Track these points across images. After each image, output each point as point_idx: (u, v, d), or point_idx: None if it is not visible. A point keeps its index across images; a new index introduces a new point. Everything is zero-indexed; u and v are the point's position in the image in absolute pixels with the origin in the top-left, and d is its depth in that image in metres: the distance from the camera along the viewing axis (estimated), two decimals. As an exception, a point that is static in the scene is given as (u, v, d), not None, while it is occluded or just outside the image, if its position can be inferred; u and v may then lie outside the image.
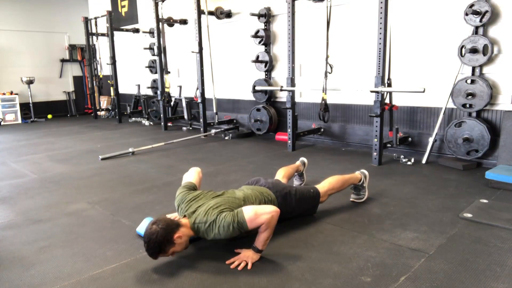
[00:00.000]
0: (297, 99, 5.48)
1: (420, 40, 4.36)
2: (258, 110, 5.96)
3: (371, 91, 4.11)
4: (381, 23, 3.92)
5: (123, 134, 6.90)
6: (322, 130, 5.42)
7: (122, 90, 8.80)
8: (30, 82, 9.19)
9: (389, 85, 4.14)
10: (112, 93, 8.61)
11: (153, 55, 7.62)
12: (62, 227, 2.76)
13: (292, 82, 4.91)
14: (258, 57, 5.97)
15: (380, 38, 3.95)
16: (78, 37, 9.87)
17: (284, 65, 5.24)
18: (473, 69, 3.95)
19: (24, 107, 9.40)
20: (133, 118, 8.62)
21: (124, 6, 8.91)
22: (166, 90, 6.84)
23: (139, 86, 8.77)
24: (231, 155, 4.95)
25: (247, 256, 2.14)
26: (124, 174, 4.17)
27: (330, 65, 4.52)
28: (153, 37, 7.43)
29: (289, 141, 5.10)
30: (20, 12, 9.39)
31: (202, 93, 6.26)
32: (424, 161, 4.22)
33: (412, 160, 4.24)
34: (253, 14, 5.80)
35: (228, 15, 6.43)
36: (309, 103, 5.56)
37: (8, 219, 2.94)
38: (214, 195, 2.38)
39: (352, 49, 4.94)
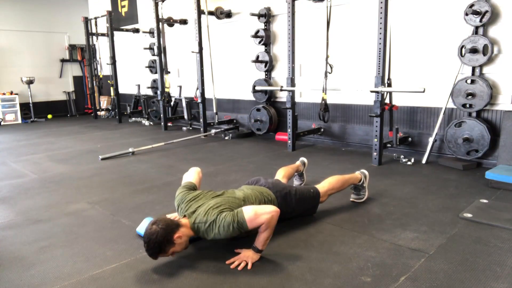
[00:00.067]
0: (297, 99, 5.48)
1: (420, 40, 4.36)
2: (258, 110, 5.96)
3: (371, 91, 4.11)
4: (381, 23, 3.92)
5: (123, 134, 6.90)
6: (322, 130, 5.42)
7: (122, 90, 8.80)
8: (30, 82, 9.19)
9: (389, 85, 4.14)
10: (112, 93, 8.61)
11: (153, 55, 7.62)
12: (62, 227, 2.76)
13: (292, 82, 4.91)
14: (258, 57, 5.97)
15: (380, 38, 3.95)
16: (78, 37, 9.87)
17: (284, 65, 5.24)
18: (473, 69, 3.95)
19: (24, 107, 9.40)
20: (133, 118, 8.62)
21: (124, 6, 8.91)
22: (166, 90, 6.84)
23: (139, 86, 8.77)
24: (231, 155, 4.95)
25: (247, 256, 2.14)
26: (124, 174, 4.17)
27: (330, 65, 4.53)
28: (153, 37, 7.43)
29: (289, 141, 5.10)
30: (20, 12, 9.39)
31: (202, 93, 6.26)
32: (424, 161, 4.22)
33: (412, 160, 4.24)
34: (253, 14, 5.80)
35: (228, 15, 6.43)
36: (309, 103, 5.56)
37: (8, 219, 2.94)
38: (214, 195, 2.38)
39: (352, 49, 4.94)
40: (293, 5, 4.73)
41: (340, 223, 2.67)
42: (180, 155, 5.00)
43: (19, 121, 9.21)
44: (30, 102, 9.39)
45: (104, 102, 9.99)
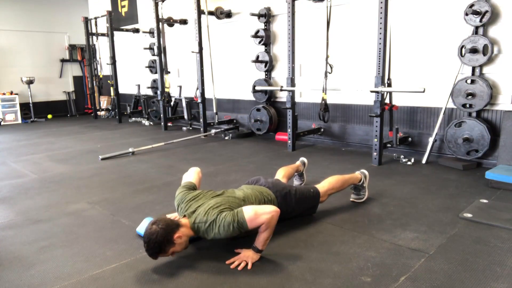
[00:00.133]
0: (297, 99, 5.48)
1: (420, 40, 4.36)
2: (258, 110, 5.96)
3: (371, 91, 4.11)
4: (381, 23, 3.92)
5: (123, 134, 6.90)
6: (322, 130, 5.42)
7: (122, 90, 8.80)
8: (30, 82, 9.19)
9: (389, 85, 4.14)
10: (112, 93, 8.61)
11: (153, 55, 7.62)
12: (62, 227, 2.76)
13: (292, 82, 4.91)
14: (258, 57, 5.97)
15: (380, 38, 3.95)
16: (78, 37, 9.87)
17: (284, 65, 5.24)
18: (473, 69, 3.95)
19: (24, 107, 9.40)
20: (133, 118, 8.62)
21: (124, 6, 8.91)
22: (166, 90, 6.85)
23: (139, 86, 8.77)
24: (231, 155, 4.95)
25: (247, 256, 2.14)
26: (124, 174, 4.17)
27: (330, 65, 4.53)
28: (153, 37, 7.43)
29: (289, 141, 5.10)
30: (20, 12, 9.39)
31: (202, 93, 6.26)
32: (424, 161, 4.22)
33: (412, 160, 4.24)
34: (253, 14, 5.80)
35: (228, 15, 6.43)
36: (309, 103, 5.56)
37: (8, 219, 2.94)
38: (213, 195, 2.38)
39: (352, 49, 4.94)
40: (293, 5, 4.73)
41: (340, 223, 2.67)
42: (180, 155, 5.00)
43: (19, 121, 9.21)
44: (30, 102, 9.39)
45: (104, 102, 9.99)
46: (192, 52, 6.12)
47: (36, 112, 9.51)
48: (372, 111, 4.21)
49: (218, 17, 6.43)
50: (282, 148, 5.26)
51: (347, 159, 4.54)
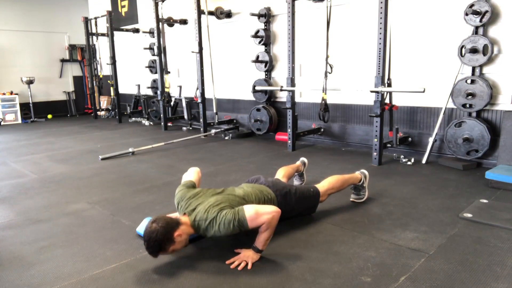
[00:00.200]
0: (297, 99, 5.48)
1: (420, 40, 4.35)
2: (258, 110, 5.96)
3: (371, 91, 4.11)
4: (381, 23, 3.92)
5: (123, 134, 6.90)
6: (322, 130, 5.42)
7: (122, 90, 8.80)
8: (30, 82, 9.19)
9: (389, 85, 4.14)
10: (112, 93, 8.61)
11: (153, 55, 7.61)
12: (62, 227, 2.76)
13: (292, 82, 4.91)
14: (258, 57, 5.97)
15: (380, 38, 3.95)
16: (78, 37, 9.87)
17: (284, 65, 5.24)
18: (473, 69, 3.95)
19: (24, 107, 9.40)
20: (133, 118, 8.62)
21: (124, 6, 8.91)
22: (166, 90, 6.85)
23: (139, 86, 8.77)
24: (231, 155, 4.95)
25: (247, 256, 2.14)
26: (124, 174, 4.17)
27: (330, 65, 4.53)
28: (153, 37, 7.43)
29: (289, 141, 5.10)
30: (20, 12, 9.39)
31: (202, 93, 6.26)
32: (424, 161, 4.22)
33: (412, 160, 4.24)
34: (253, 14, 5.80)
35: (228, 15, 6.43)
36: (309, 103, 5.56)
37: (8, 219, 2.94)
38: (213, 193, 2.37)
39: (352, 49, 4.94)
40: (293, 5, 4.73)
41: (340, 223, 2.67)
42: (180, 155, 5.00)
43: (19, 121, 9.21)
44: (30, 102, 9.39)
45: (104, 102, 9.99)
46: (192, 52, 6.12)
47: (36, 112, 9.51)
48: (372, 111, 4.21)
49: (218, 17, 6.43)
50: (282, 148, 5.26)
51: (347, 159, 4.54)
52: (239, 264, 2.10)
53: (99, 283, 1.99)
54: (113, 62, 8.20)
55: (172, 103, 7.23)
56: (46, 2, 9.73)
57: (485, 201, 2.99)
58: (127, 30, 8.46)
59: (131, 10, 8.70)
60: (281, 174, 3.08)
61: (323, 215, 2.80)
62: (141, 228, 2.51)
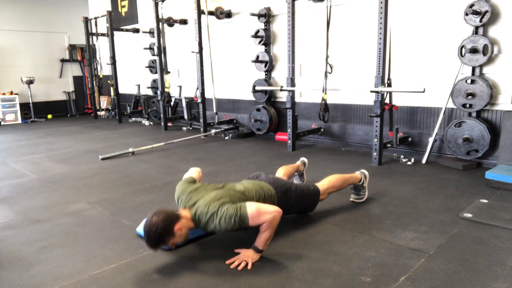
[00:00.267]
0: (297, 99, 5.48)
1: (420, 40, 4.35)
2: (258, 110, 5.96)
3: (371, 91, 4.11)
4: (381, 23, 3.92)
5: (123, 134, 6.90)
6: (322, 130, 5.42)
7: (122, 90, 8.80)
8: (30, 82, 9.19)
9: (389, 85, 4.14)
10: (112, 93, 8.61)
11: (153, 55, 7.61)
12: (62, 227, 2.76)
13: (292, 82, 4.91)
14: (258, 57, 5.97)
15: (380, 38, 3.95)
16: (78, 37, 9.87)
17: (284, 65, 5.24)
18: (473, 69, 3.95)
19: (24, 107, 9.40)
20: (133, 118, 8.62)
21: (124, 6, 8.91)
22: (166, 90, 6.85)
23: (139, 86, 8.77)
24: (231, 155, 4.95)
25: (247, 256, 2.14)
26: (124, 174, 4.17)
27: (330, 65, 4.53)
28: (153, 37, 7.43)
29: (289, 141, 5.10)
30: (20, 12, 9.39)
31: (202, 93, 6.26)
32: (424, 161, 4.22)
33: (412, 160, 4.24)
34: (253, 14, 5.80)
35: (228, 15, 6.43)
36: (309, 103, 5.56)
37: (8, 219, 2.94)
38: (214, 188, 2.37)
39: (352, 49, 4.94)
40: (293, 5, 4.73)
41: (340, 223, 2.67)
42: (180, 155, 5.00)
43: (19, 121, 9.21)
44: (30, 102, 9.39)
45: (104, 102, 9.99)
46: (192, 52, 6.12)
47: (36, 112, 9.51)
48: (372, 111, 4.21)
49: (218, 17, 6.43)
50: (282, 148, 5.26)
51: (347, 159, 4.54)
52: (239, 264, 2.10)
53: (99, 283, 1.99)
54: (113, 62, 8.20)
55: (172, 103, 7.23)
56: (46, 2, 9.74)
57: (485, 201, 2.99)
58: (127, 30, 8.46)
59: (131, 10, 8.70)
60: (281, 173, 3.08)
61: (323, 215, 2.80)
62: (141, 228, 2.51)
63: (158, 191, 3.52)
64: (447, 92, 4.10)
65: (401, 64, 4.47)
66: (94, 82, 9.14)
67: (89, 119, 9.30)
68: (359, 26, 4.83)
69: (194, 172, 2.71)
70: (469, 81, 3.95)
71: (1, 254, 2.35)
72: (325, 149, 5.17)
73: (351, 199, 3.08)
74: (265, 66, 5.90)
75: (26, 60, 9.57)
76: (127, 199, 3.33)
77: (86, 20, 8.67)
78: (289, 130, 5.05)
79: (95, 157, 4.92)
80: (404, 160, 4.28)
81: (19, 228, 2.76)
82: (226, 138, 6.08)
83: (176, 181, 2.62)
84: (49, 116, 9.92)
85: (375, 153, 4.22)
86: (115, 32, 8.20)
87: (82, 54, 10.31)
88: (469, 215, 2.70)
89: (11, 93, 9.20)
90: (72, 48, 10.28)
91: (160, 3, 6.57)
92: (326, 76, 4.56)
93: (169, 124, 7.33)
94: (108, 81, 8.64)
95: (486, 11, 3.73)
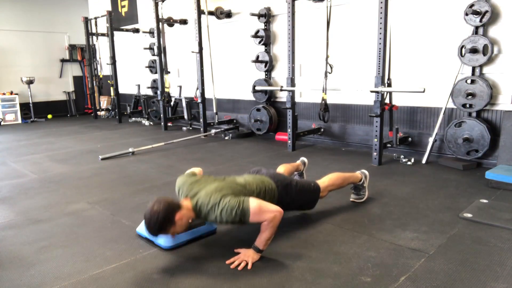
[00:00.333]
0: (297, 99, 5.48)
1: (420, 40, 4.36)
2: (258, 110, 5.96)
3: (371, 91, 4.11)
4: (381, 23, 3.92)
5: (123, 134, 6.90)
6: (322, 130, 5.42)
7: (122, 90, 8.80)
8: (30, 82, 9.19)
9: (389, 85, 4.14)
10: (112, 93, 8.61)
11: (153, 55, 7.62)
12: (62, 227, 2.76)
13: (292, 82, 4.91)
14: (258, 57, 5.97)
15: (380, 38, 3.95)
16: (78, 37, 9.88)
17: (284, 65, 5.24)
18: (473, 69, 3.95)
19: (24, 107, 9.40)
20: (133, 118, 8.62)
21: (124, 6, 8.91)
22: (166, 90, 6.85)
23: (139, 86, 8.77)
24: (231, 155, 4.95)
25: (247, 256, 2.14)
26: (124, 174, 4.17)
27: (330, 65, 4.53)
28: (153, 37, 7.43)
29: (289, 141, 5.10)
30: (20, 12, 9.39)
31: (202, 93, 6.26)
32: (424, 161, 4.22)
33: (412, 160, 4.24)
34: (253, 14, 5.80)
35: (228, 15, 6.43)
36: (309, 103, 5.56)
37: (8, 219, 2.94)
38: (215, 180, 2.38)
39: (352, 49, 4.94)
40: (293, 5, 4.73)
41: (340, 223, 2.67)
42: (180, 155, 5.00)
43: (19, 121, 9.21)
44: (30, 102, 9.38)
45: (104, 102, 9.99)
46: (192, 52, 6.12)
47: (36, 112, 9.51)
48: (372, 111, 4.21)
49: (218, 17, 6.43)
50: (282, 148, 5.26)
51: (347, 159, 4.54)
52: (239, 264, 2.10)
53: (99, 283, 1.99)
54: (113, 62, 8.20)
55: (172, 103, 7.23)
56: (46, 2, 9.73)
57: (485, 201, 2.99)
58: (127, 30, 8.46)
59: (131, 10, 8.70)
60: (281, 171, 3.06)
61: (323, 215, 2.80)
62: (141, 228, 2.51)
63: (158, 191, 3.52)
64: (447, 92, 4.10)
65: (401, 64, 4.47)
66: (94, 82, 9.14)
67: (89, 119, 9.30)
68: (359, 26, 4.83)
69: (195, 169, 2.71)
70: (469, 81, 3.95)
71: (1, 254, 2.35)
72: (325, 149, 5.17)
73: (351, 199, 3.08)
74: (265, 66, 5.90)
75: (26, 60, 9.57)
76: (127, 199, 3.33)
77: (86, 20, 8.67)
78: (289, 130, 5.05)
79: (95, 157, 4.92)
80: (404, 160, 4.28)
81: (19, 228, 2.76)
82: (226, 138, 6.08)
83: (176, 181, 2.62)
84: (49, 116, 9.92)
85: (375, 153, 4.22)
86: (115, 32, 8.20)
87: (82, 54, 10.31)
88: (469, 215, 2.70)
89: (11, 93, 9.20)
90: (72, 48, 10.28)
91: (160, 3, 6.57)
92: (326, 76, 4.56)
93: (169, 124, 7.33)
94: (108, 81, 8.64)
95: (486, 11, 3.73)
